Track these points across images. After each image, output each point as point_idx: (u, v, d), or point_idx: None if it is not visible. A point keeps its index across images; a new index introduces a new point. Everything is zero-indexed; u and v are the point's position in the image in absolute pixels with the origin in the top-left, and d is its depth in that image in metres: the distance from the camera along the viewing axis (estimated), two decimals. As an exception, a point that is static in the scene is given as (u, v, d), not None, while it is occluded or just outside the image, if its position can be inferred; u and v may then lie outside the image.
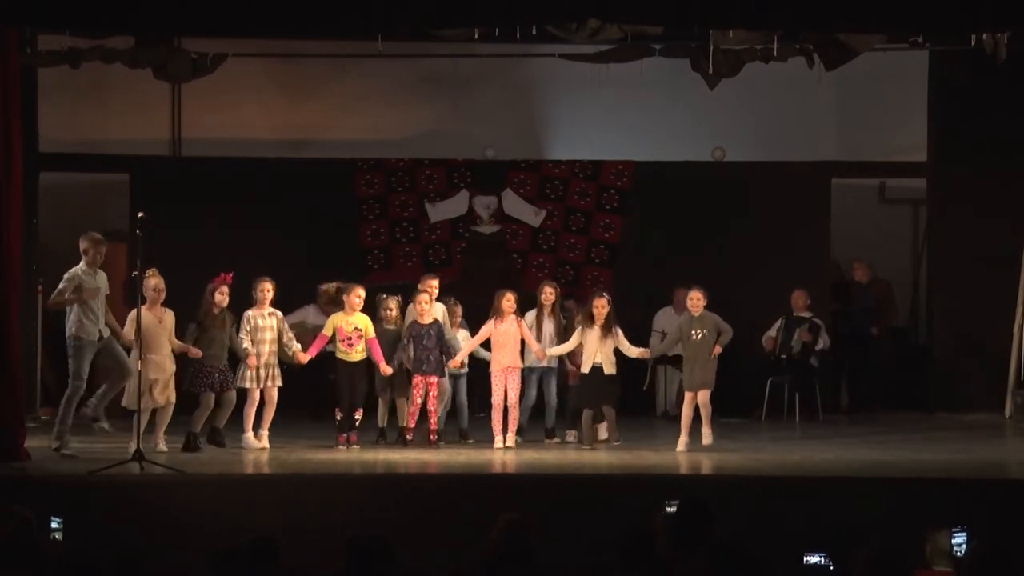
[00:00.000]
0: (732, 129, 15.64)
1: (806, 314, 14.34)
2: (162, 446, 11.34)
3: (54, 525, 7.88)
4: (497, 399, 12.03)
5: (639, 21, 11.71)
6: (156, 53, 13.57)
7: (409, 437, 11.99)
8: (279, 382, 11.86)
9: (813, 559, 7.01)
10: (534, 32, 11.40)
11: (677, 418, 13.32)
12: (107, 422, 11.35)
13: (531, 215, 15.27)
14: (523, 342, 12.10)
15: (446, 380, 12.29)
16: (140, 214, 10.94)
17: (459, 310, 12.57)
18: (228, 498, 9.79)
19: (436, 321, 12.09)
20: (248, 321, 11.79)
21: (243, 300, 11.95)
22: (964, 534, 7.32)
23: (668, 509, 7.36)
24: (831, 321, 14.72)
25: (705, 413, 11.77)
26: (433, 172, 15.29)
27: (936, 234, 15.34)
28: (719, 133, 15.66)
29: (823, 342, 14.33)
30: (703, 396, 11.78)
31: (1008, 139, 14.54)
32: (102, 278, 11.17)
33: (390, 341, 12.08)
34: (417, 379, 11.99)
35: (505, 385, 12.00)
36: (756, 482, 10.40)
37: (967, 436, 12.93)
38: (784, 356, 14.26)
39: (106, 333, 11.09)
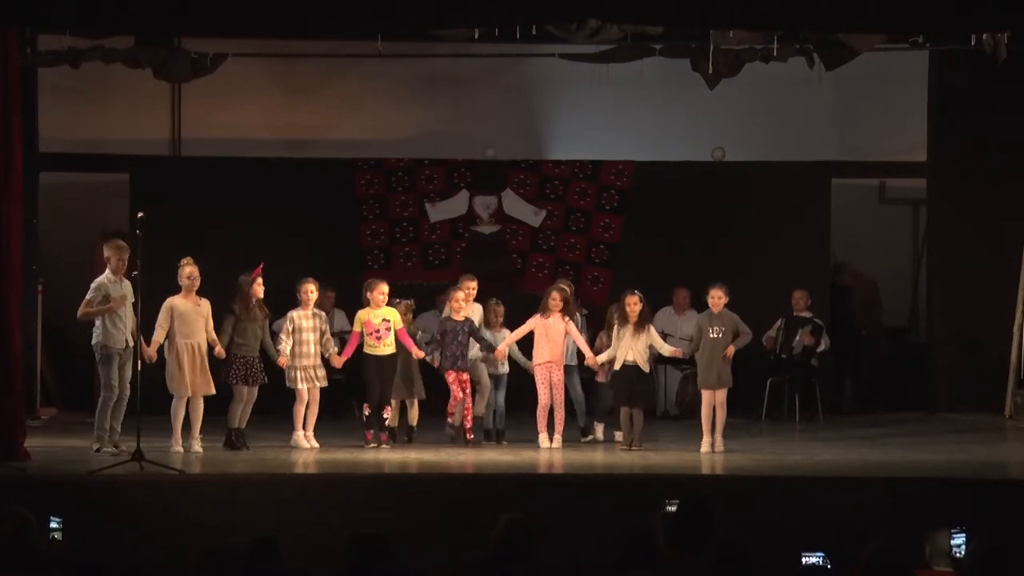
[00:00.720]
0: (732, 129, 15.64)
1: (806, 314, 14.33)
2: (197, 447, 11.36)
3: (54, 525, 7.88)
4: (543, 397, 11.99)
5: (639, 21, 11.71)
6: (156, 53, 13.56)
7: (470, 437, 12.00)
8: (324, 383, 11.89)
9: (812, 559, 7.00)
10: (534, 32, 11.41)
11: (677, 418, 13.34)
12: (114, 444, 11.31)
13: (531, 215, 15.27)
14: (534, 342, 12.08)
15: (487, 379, 12.31)
16: (140, 214, 10.95)
17: (501, 310, 12.53)
18: (228, 498, 9.79)
19: (468, 319, 12.13)
20: (291, 322, 11.83)
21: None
22: (963, 535, 7.32)
23: (668, 508, 7.35)
24: (831, 322, 14.72)
25: (720, 416, 11.69)
26: (433, 172, 15.28)
27: (936, 234, 15.34)
28: (719, 133, 15.65)
29: (825, 344, 14.33)
30: (720, 396, 11.72)
31: (1008, 139, 14.54)
32: (127, 285, 11.24)
33: (436, 339, 12.14)
34: (451, 375, 12.01)
35: (550, 383, 11.98)
36: (756, 482, 10.40)
37: (967, 436, 12.93)
38: (784, 356, 14.26)
39: (131, 342, 11.13)
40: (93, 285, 11.24)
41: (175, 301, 11.34)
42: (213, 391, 11.44)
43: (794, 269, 14.63)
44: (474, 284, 12.34)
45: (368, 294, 11.95)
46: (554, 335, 12.02)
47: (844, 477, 10.54)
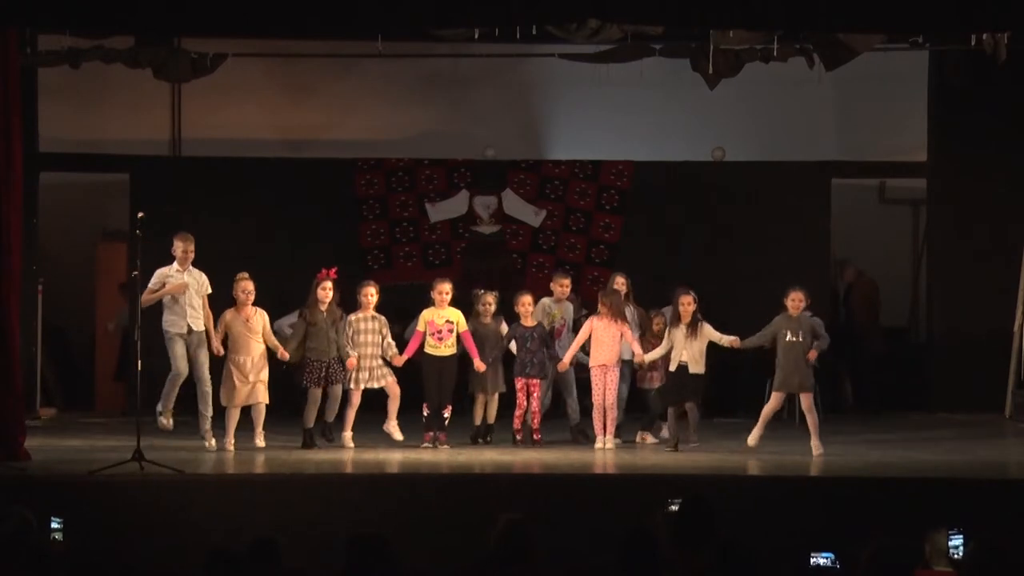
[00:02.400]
0: (732, 129, 15.64)
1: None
2: (259, 442, 11.62)
3: (54, 525, 7.87)
4: (597, 398, 11.96)
5: (639, 21, 11.71)
6: (156, 53, 13.57)
7: (518, 438, 11.99)
8: (389, 378, 11.92)
9: (820, 560, 6.99)
10: (534, 32, 11.41)
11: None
12: (169, 419, 11.58)
13: (531, 215, 15.27)
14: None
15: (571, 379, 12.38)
16: (140, 214, 10.96)
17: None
18: (228, 498, 9.79)
19: (540, 324, 12.12)
20: (350, 325, 11.87)
21: (257, 298, 11.91)
22: (961, 536, 7.32)
23: (671, 507, 7.35)
24: (833, 319, 14.72)
25: (811, 420, 11.56)
26: (433, 172, 15.29)
27: (936, 234, 15.34)
28: (719, 133, 15.65)
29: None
30: (806, 401, 11.63)
31: (1008, 139, 14.55)
32: (195, 275, 11.51)
33: (487, 337, 12.10)
34: (520, 382, 12.01)
35: (604, 384, 11.96)
36: (756, 482, 10.40)
37: (967, 436, 12.92)
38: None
39: (196, 327, 11.41)
40: (156, 273, 11.49)
41: (228, 316, 11.63)
42: (263, 400, 11.62)
43: (794, 269, 14.62)
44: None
45: (432, 293, 11.96)
46: (606, 337, 11.96)
47: (844, 477, 10.53)
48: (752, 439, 11.69)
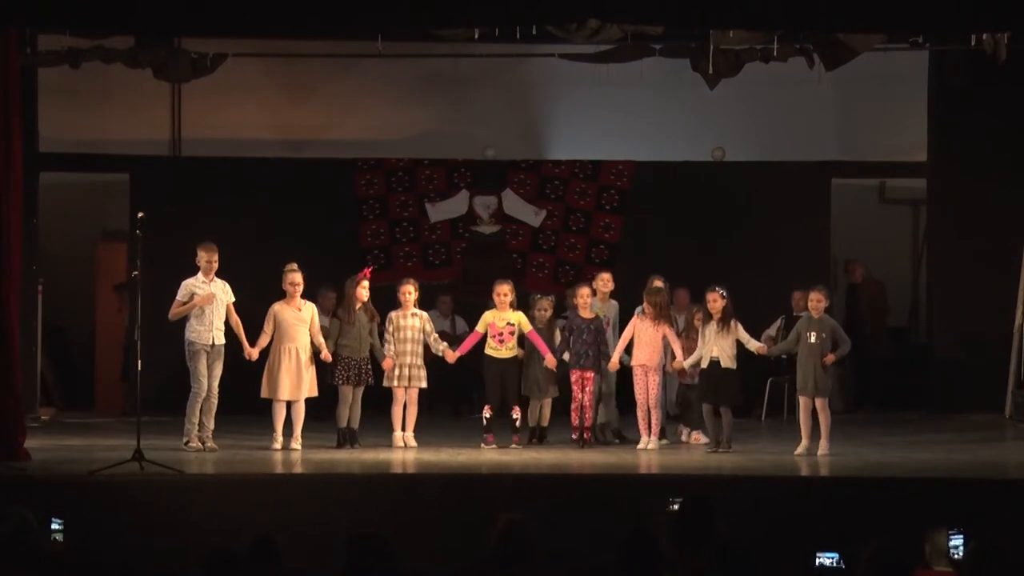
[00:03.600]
0: (732, 129, 15.64)
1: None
2: (295, 445, 11.58)
3: (54, 525, 7.87)
4: (640, 397, 11.95)
5: (639, 21, 11.71)
6: (156, 53, 13.56)
7: (574, 436, 11.98)
8: (423, 384, 11.95)
9: (825, 560, 6.98)
10: (534, 32, 11.41)
11: (677, 418, 13.30)
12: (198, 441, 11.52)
13: (531, 215, 15.27)
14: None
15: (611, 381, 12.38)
16: (140, 214, 10.97)
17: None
18: (228, 498, 9.78)
19: (597, 317, 12.11)
20: (391, 322, 11.90)
21: (253, 297, 11.99)
22: (961, 536, 7.32)
23: (671, 507, 7.35)
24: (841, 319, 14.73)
25: (824, 421, 11.52)
26: (433, 172, 15.29)
27: (936, 234, 15.34)
28: (719, 133, 15.65)
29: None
30: (820, 403, 11.57)
31: (1008, 139, 14.54)
32: (218, 285, 11.51)
33: (566, 338, 12.10)
34: (575, 374, 12.00)
35: (646, 384, 11.95)
36: (756, 482, 10.40)
37: (967, 436, 12.92)
38: (784, 356, 14.24)
39: (219, 341, 11.41)
40: (182, 285, 11.50)
41: (277, 307, 11.68)
42: (311, 394, 11.66)
43: (794, 269, 14.63)
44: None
45: (494, 296, 11.99)
46: (647, 338, 11.96)
47: (844, 477, 10.53)
48: (799, 448, 11.59)
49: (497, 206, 15.25)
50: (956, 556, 7.29)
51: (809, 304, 11.74)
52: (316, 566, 7.25)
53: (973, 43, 12.08)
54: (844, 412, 14.92)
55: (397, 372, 11.86)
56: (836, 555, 6.93)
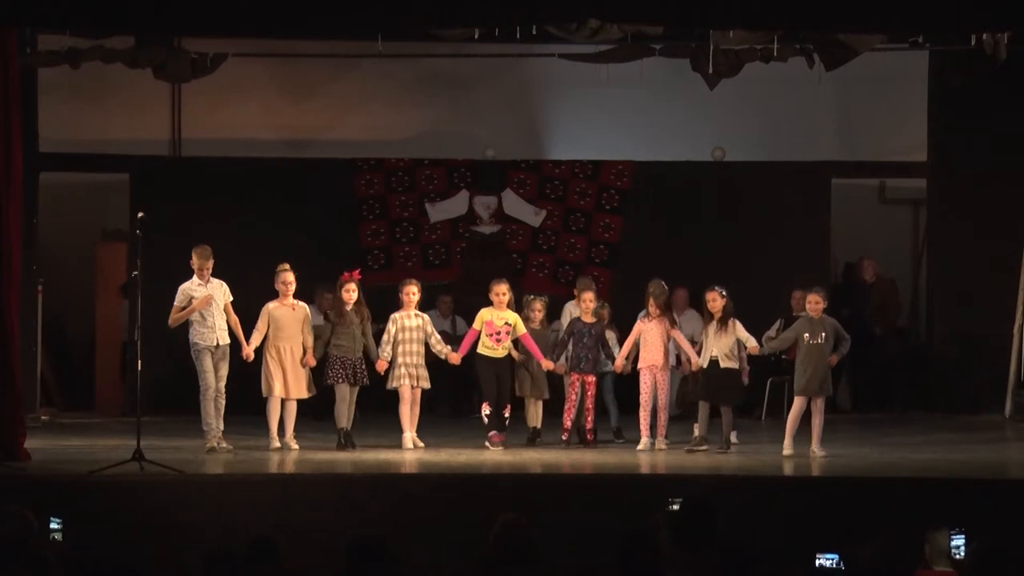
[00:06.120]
0: (732, 129, 15.63)
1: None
2: (293, 444, 11.63)
3: (54, 525, 7.88)
4: (644, 398, 11.93)
5: (639, 21, 11.71)
6: (156, 53, 13.57)
7: (564, 437, 12.00)
8: (426, 384, 11.93)
9: (826, 561, 6.98)
10: (534, 32, 11.41)
11: (677, 418, 13.30)
12: (222, 441, 11.55)
13: (531, 215, 15.27)
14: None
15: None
16: (140, 214, 10.97)
17: (606, 313, 12.45)
18: (228, 498, 9.78)
19: (599, 321, 12.14)
20: (394, 323, 11.90)
21: (253, 297, 11.97)
22: (962, 536, 7.32)
23: (671, 507, 7.36)
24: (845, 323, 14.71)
25: (817, 423, 11.51)
26: (433, 172, 15.28)
27: (936, 234, 15.34)
28: (719, 133, 15.65)
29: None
30: (819, 403, 11.57)
31: (1008, 139, 14.54)
32: (215, 286, 11.50)
33: (537, 342, 12.09)
34: (574, 377, 12.02)
35: (654, 385, 11.93)
36: (756, 482, 10.40)
37: (967, 436, 12.92)
38: (784, 356, 14.24)
39: (223, 341, 11.41)
40: (179, 290, 11.50)
41: (271, 306, 11.72)
42: (308, 394, 11.72)
43: (794, 269, 14.63)
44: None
45: (491, 295, 11.99)
46: (653, 338, 11.95)
47: (844, 477, 10.53)
48: (786, 448, 11.58)
49: (497, 206, 15.25)
50: (957, 556, 7.29)
51: (808, 306, 11.74)
52: (316, 566, 7.25)
53: (973, 43, 12.08)
54: (852, 411, 14.96)
55: (404, 372, 11.83)
56: (836, 556, 6.93)
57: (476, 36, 11.62)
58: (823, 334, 11.61)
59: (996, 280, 14.59)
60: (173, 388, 13.55)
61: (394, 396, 11.95)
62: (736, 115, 15.46)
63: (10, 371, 10.84)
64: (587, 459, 11.46)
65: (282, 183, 14.95)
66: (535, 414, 12.28)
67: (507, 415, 11.99)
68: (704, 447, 11.72)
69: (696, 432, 11.89)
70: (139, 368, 10.87)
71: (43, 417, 13.92)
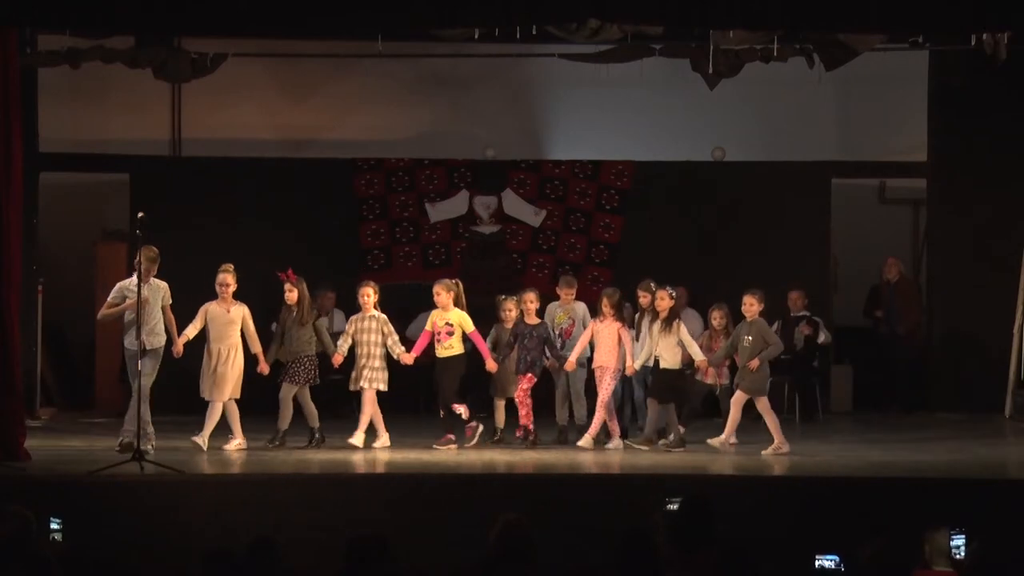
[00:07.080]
0: (732, 129, 15.64)
1: (803, 313, 14.32)
2: (199, 441, 11.48)
3: (54, 525, 7.88)
4: (602, 397, 11.98)
5: (639, 21, 11.71)
6: (156, 53, 13.58)
7: (519, 434, 12.04)
8: (381, 386, 11.89)
9: (825, 562, 6.98)
10: (534, 32, 11.40)
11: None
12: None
13: (531, 215, 15.27)
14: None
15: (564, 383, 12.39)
16: (140, 214, 10.97)
17: (627, 314, 12.40)
18: (228, 498, 9.79)
19: (543, 323, 12.19)
20: (352, 324, 11.93)
21: (253, 296, 11.99)
22: (962, 536, 7.32)
23: (671, 507, 7.36)
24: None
25: (769, 421, 11.62)
26: (433, 172, 15.29)
27: (936, 234, 15.34)
28: (719, 133, 15.66)
29: (824, 336, 14.32)
30: (761, 404, 11.69)
31: (1008, 139, 14.55)
32: (155, 286, 11.27)
33: (509, 342, 12.13)
34: (521, 378, 12.08)
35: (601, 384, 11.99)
36: (756, 482, 10.40)
37: (967, 436, 12.92)
38: (784, 356, 14.24)
39: (153, 344, 11.18)
40: (115, 287, 11.36)
41: (209, 305, 11.65)
42: (233, 395, 11.58)
43: (794, 269, 14.63)
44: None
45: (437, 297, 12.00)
46: (603, 339, 12.01)
47: (844, 477, 10.53)
48: (715, 441, 11.77)
49: (497, 206, 15.25)
50: (957, 556, 7.29)
51: (743, 307, 11.84)
52: (316, 566, 7.24)
53: (973, 43, 12.08)
54: (852, 411, 14.96)
55: (361, 373, 11.84)
56: (836, 557, 6.93)
57: (476, 36, 11.61)
58: (748, 337, 11.74)
59: (996, 280, 14.60)
60: (173, 388, 13.54)
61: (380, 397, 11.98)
62: (736, 115, 15.46)
63: (10, 371, 10.83)
64: (587, 459, 11.45)
65: (282, 183, 14.95)
66: (501, 415, 12.29)
67: (460, 413, 11.88)
68: (647, 448, 11.77)
69: (645, 431, 11.98)
70: (139, 368, 10.86)
71: (43, 417, 13.92)
